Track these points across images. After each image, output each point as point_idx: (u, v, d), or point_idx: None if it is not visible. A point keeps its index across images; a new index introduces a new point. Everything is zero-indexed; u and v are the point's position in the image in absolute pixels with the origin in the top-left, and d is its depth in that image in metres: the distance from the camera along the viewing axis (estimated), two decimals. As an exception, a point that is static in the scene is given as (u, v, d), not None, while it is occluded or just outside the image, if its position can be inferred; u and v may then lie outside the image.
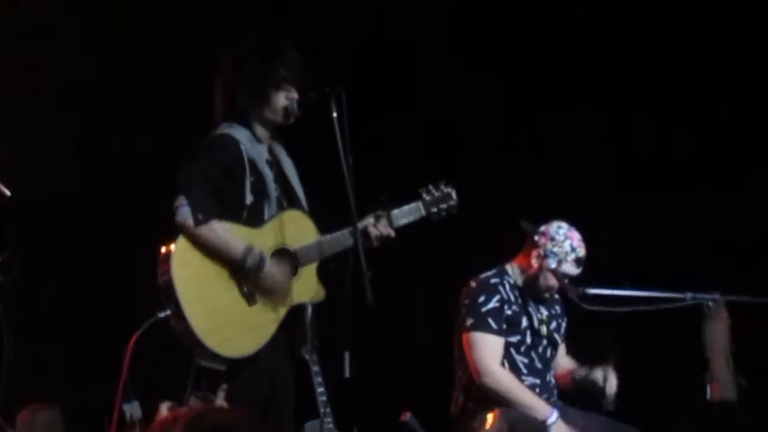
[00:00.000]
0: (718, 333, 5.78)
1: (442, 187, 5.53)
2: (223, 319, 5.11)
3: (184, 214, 5.10)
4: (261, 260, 5.14)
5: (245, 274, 5.14)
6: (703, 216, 7.34)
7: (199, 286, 5.11)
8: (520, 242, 6.08)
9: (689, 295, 5.87)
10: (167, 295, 5.08)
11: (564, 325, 6.18)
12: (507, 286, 5.99)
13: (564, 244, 5.96)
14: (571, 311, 6.14)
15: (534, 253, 5.99)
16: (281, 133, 5.43)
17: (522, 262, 6.05)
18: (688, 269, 6.76)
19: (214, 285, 5.13)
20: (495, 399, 5.85)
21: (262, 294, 5.18)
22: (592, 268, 6.02)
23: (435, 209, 5.50)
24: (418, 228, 5.48)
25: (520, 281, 6.03)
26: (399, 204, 5.43)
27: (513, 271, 6.06)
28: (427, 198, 5.49)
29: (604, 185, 7.59)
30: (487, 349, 5.88)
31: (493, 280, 5.99)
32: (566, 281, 5.93)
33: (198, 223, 5.09)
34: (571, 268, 5.96)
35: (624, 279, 5.98)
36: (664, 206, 7.42)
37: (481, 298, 5.93)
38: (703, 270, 6.61)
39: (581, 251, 5.96)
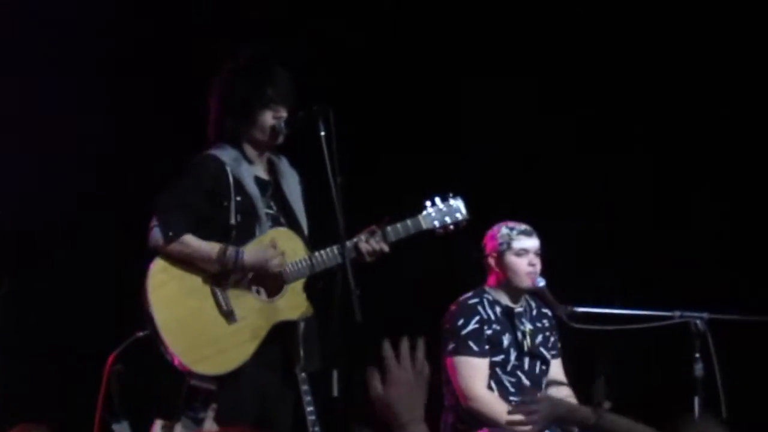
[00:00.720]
0: None
1: (449, 199, 5.42)
2: (201, 338, 5.13)
3: (155, 234, 5.14)
4: (239, 252, 5.14)
5: (228, 270, 5.13)
6: (692, 235, 7.34)
7: (176, 307, 5.14)
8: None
9: (677, 313, 5.88)
10: (145, 316, 5.12)
11: (554, 339, 6.12)
12: (486, 304, 5.96)
13: (501, 230, 5.97)
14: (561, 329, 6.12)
15: (491, 261, 5.99)
16: (279, 150, 5.43)
17: (491, 279, 6.04)
18: (676, 288, 6.77)
19: (192, 304, 5.16)
20: (483, 421, 5.84)
21: (246, 304, 5.18)
22: (582, 287, 6.01)
23: (438, 223, 5.39)
24: (414, 244, 5.41)
25: (500, 296, 6.01)
26: (402, 219, 5.34)
27: (490, 288, 6.03)
28: (431, 211, 5.38)
29: (598, 201, 7.58)
30: (471, 373, 5.87)
31: (471, 301, 5.98)
32: (553, 298, 5.92)
33: (168, 240, 5.11)
34: (523, 241, 5.94)
35: (613, 297, 5.98)
36: (654, 224, 7.42)
37: (460, 321, 5.91)
38: (692, 288, 6.61)
39: (520, 225, 5.97)
